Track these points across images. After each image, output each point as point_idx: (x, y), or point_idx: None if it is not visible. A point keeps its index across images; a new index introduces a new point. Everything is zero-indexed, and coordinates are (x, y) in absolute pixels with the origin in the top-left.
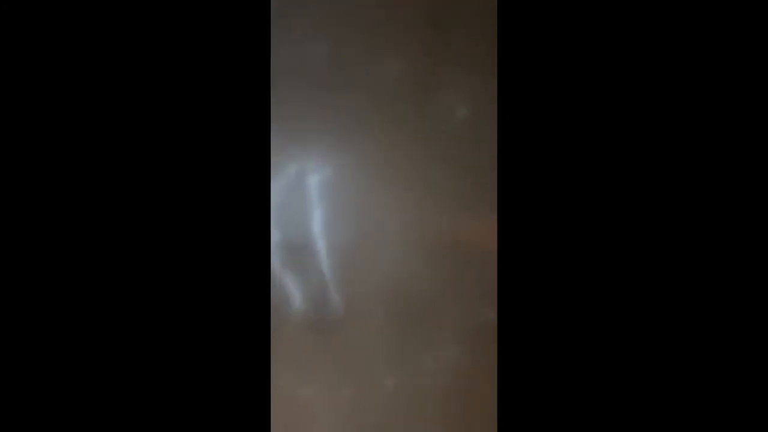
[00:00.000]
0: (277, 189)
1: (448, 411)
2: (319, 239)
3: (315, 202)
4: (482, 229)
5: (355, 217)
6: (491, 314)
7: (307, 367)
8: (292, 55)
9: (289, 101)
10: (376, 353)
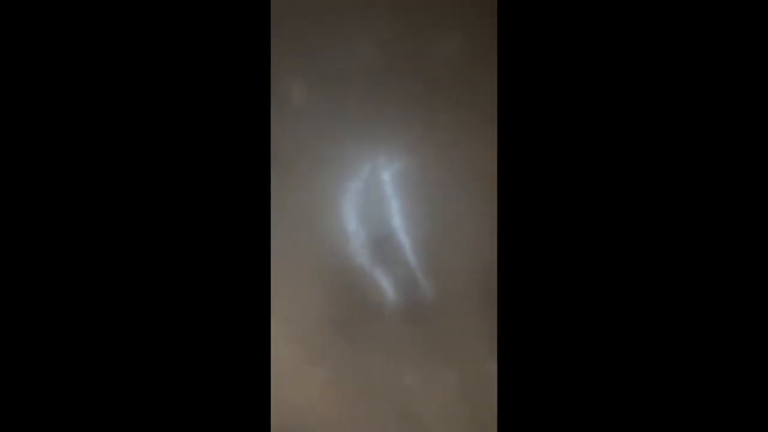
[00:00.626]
0: (354, 190)
1: None
2: (401, 230)
3: (391, 195)
4: None
5: (432, 206)
6: None
7: (408, 355)
8: (344, 55)
9: (351, 103)
10: (473, 337)
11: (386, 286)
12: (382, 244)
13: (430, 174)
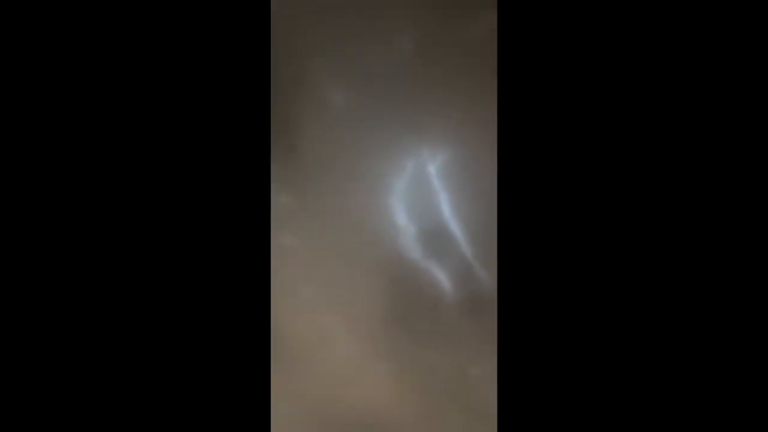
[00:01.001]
0: (400, 187)
1: None
2: (452, 222)
3: (438, 188)
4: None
5: (481, 195)
6: None
7: (470, 347)
8: (380, 53)
9: (389, 100)
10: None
11: (442, 278)
12: (434, 238)
13: (476, 163)
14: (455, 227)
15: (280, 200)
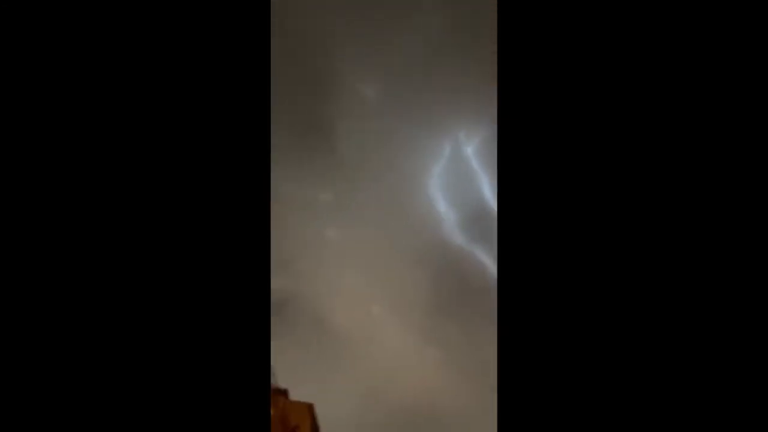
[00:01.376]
0: (438, 172)
1: None
2: (494, 203)
3: (477, 169)
4: None
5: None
6: None
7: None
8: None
9: (419, 87)
10: None
11: (488, 263)
12: (477, 222)
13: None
14: (495, 208)
15: (321, 197)
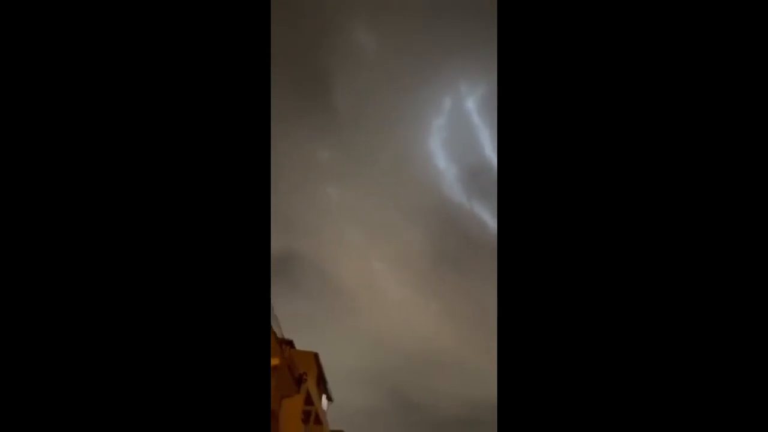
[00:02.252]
0: (438, 126)
1: None
2: (495, 159)
3: (479, 124)
4: None
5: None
6: None
7: None
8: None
9: (419, 39)
10: None
11: (487, 218)
12: (477, 177)
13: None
14: (496, 163)
15: (319, 155)
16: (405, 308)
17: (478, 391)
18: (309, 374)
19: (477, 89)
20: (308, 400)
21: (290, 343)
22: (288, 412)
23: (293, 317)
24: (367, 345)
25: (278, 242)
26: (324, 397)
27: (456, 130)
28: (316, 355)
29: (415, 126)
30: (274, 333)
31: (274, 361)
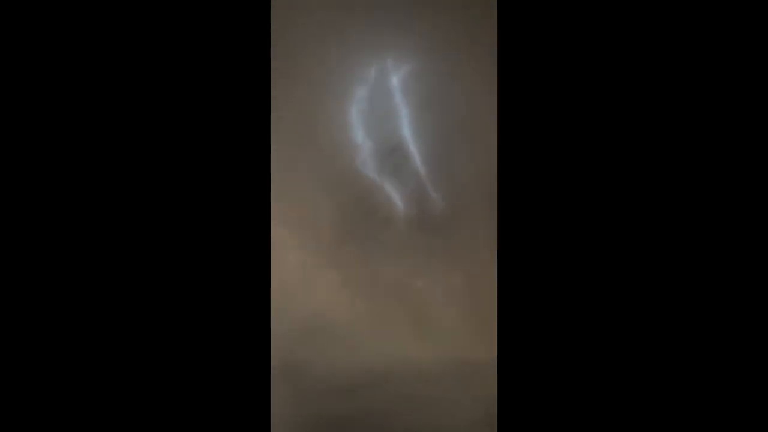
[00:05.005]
0: (360, 96)
1: None
2: (411, 140)
3: (400, 103)
4: None
5: (444, 110)
6: None
7: (417, 261)
8: None
9: (357, 2)
10: (477, 245)
11: (396, 199)
12: (391, 155)
13: (440, 78)
14: (413, 147)
15: None
16: (303, 275)
17: (368, 360)
18: None
19: (402, 67)
20: None
21: None
22: None
23: None
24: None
25: None
26: None
27: (378, 104)
28: None
29: (337, 92)
30: None
31: None
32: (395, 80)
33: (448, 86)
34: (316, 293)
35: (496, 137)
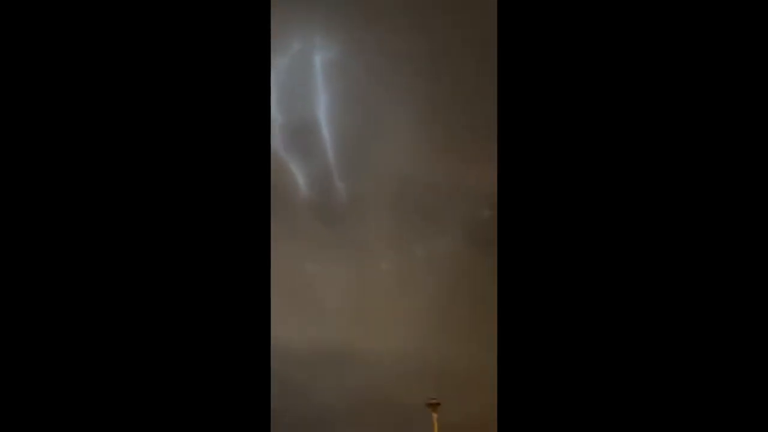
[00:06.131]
0: (280, 67)
1: (438, 295)
2: (325, 124)
3: (319, 84)
4: (487, 129)
5: (363, 102)
6: (487, 212)
7: (313, 246)
8: None
9: None
10: (375, 239)
11: (299, 176)
12: (300, 134)
13: (367, 68)
14: (325, 131)
15: None
16: None
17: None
18: None
19: (329, 51)
20: None
21: None
22: None
23: None
24: None
25: None
26: None
27: (297, 80)
28: None
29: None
30: None
31: None
32: (318, 61)
33: (371, 81)
34: None
35: (410, 137)
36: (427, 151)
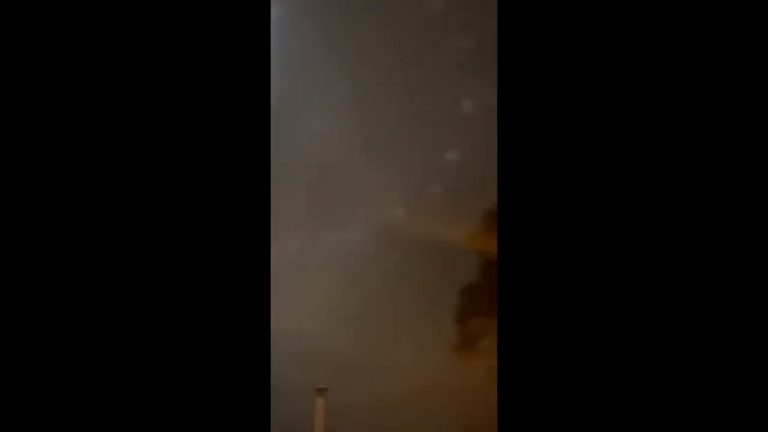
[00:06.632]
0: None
1: (340, 283)
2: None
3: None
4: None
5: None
6: (398, 211)
7: None
8: None
9: None
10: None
11: None
12: None
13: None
14: None
15: None
16: None
17: None
18: None
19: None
20: None
21: None
22: None
23: None
24: None
25: None
26: None
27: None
28: None
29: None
30: None
31: None
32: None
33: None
34: None
35: (331, 126)
36: (350, 142)
